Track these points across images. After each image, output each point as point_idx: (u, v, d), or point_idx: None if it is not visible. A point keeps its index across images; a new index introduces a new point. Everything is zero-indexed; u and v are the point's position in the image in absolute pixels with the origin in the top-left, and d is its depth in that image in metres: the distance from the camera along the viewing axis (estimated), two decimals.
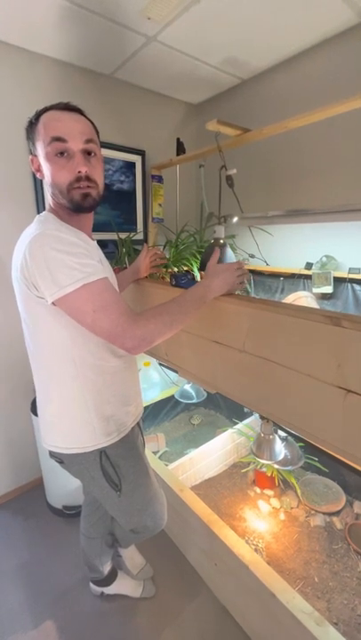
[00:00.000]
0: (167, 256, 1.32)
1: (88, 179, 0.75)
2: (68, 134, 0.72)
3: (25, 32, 1.29)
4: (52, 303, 0.69)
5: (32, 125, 0.76)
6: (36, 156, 0.78)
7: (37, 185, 1.52)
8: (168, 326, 0.73)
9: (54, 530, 1.58)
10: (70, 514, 1.61)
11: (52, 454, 0.91)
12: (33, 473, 1.81)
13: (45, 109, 0.75)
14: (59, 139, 0.72)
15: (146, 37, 1.33)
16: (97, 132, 0.81)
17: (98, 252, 0.86)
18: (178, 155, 1.61)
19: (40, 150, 0.75)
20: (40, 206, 1.55)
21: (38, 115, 0.75)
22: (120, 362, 0.87)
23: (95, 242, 0.87)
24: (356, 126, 1.32)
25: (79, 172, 0.74)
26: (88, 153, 0.76)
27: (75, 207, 0.77)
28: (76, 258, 0.68)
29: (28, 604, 1.28)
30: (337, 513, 1.48)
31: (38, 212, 1.56)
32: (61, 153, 0.73)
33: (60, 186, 0.75)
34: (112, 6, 1.15)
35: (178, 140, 1.65)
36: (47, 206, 0.84)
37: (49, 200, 0.82)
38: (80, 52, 1.43)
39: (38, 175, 0.80)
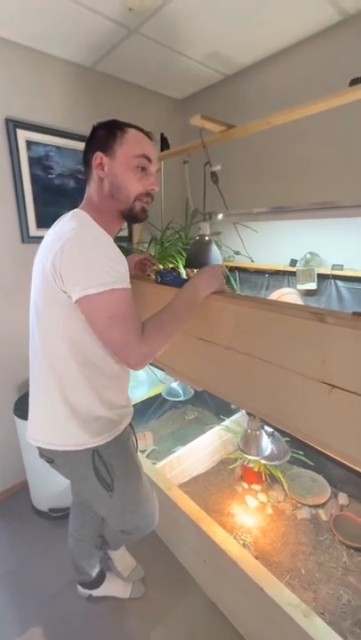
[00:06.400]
0: (152, 253, 1.30)
1: (152, 197, 0.86)
2: (152, 157, 0.84)
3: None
4: (75, 301, 0.71)
5: (114, 131, 0.82)
6: (107, 156, 0.81)
7: (17, 181, 1.47)
8: (168, 338, 0.77)
9: (40, 533, 1.55)
10: (57, 516, 1.59)
11: (43, 453, 0.89)
12: (17, 476, 1.76)
13: (128, 125, 0.83)
14: (147, 157, 0.82)
15: (127, 29, 1.30)
16: None
17: (124, 260, 0.88)
18: (162, 150, 1.58)
19: (121, 155, 0.80)
20: (20, 202, 1.50)
21: (123, 126, 0.83)
22: (119, 366, 0.88)
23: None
24: (340, 123, 1.34)
25: (153, 189, 0.84)
26: None
27: (129, 216, 0.84)
28: (113, 263, 0.72)
29: (14, 609, 1.25)
30: (322, 505, 1.51)
31: (19, 209, 1.52)
32: (143, 168, 0.82)
33: (128, 191, 0.81)
34: None
35: (162, 135, 1.63)
36: (85, 202, 0.86)
37: (93, 196, 0.84)
38: (59, 42, 1.39)
39: (98, 170, 0.82)
